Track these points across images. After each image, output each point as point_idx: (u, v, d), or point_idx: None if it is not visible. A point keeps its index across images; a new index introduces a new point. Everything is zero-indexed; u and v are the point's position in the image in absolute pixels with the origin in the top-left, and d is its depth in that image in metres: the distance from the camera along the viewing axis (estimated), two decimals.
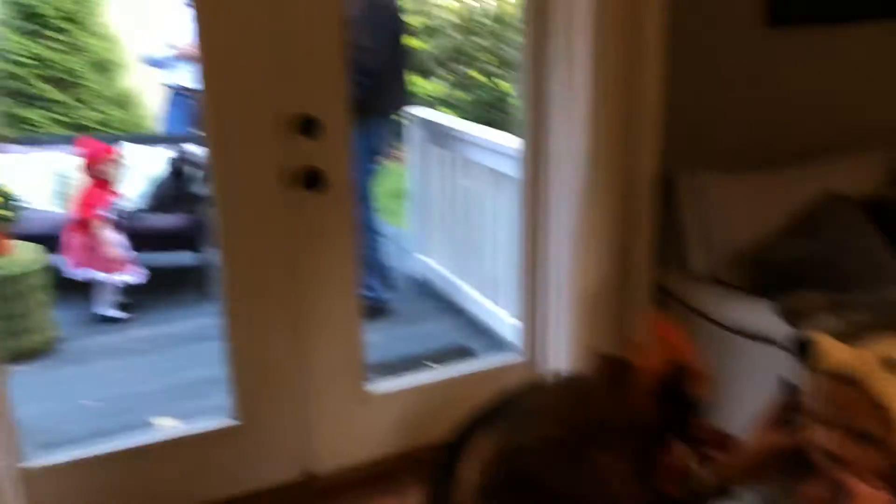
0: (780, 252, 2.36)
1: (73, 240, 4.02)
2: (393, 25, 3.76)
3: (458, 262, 3.98)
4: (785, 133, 2.78)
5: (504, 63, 5.98)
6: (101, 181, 4.10)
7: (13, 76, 5.14)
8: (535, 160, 2.56)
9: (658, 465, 0.74)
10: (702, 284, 2.54)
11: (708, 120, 2.70)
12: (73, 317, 3.99)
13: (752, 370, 2.30)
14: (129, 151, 4.35)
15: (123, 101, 5.53)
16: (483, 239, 3.78)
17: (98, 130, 5.19)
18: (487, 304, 3.71)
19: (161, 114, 5.11)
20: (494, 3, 6.14)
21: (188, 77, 4.27)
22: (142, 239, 4.15)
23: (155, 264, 4.18)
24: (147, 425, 2.93)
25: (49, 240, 3.92)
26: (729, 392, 2.39)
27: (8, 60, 5.13)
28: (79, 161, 4.15)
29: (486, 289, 3.74)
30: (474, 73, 6.28)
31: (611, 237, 2.51)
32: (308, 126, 2.19)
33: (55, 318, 3.82)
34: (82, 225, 4.03)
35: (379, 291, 3.84)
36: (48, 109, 5.21)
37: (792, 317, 1.00)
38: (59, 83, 5.21)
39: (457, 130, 4.00)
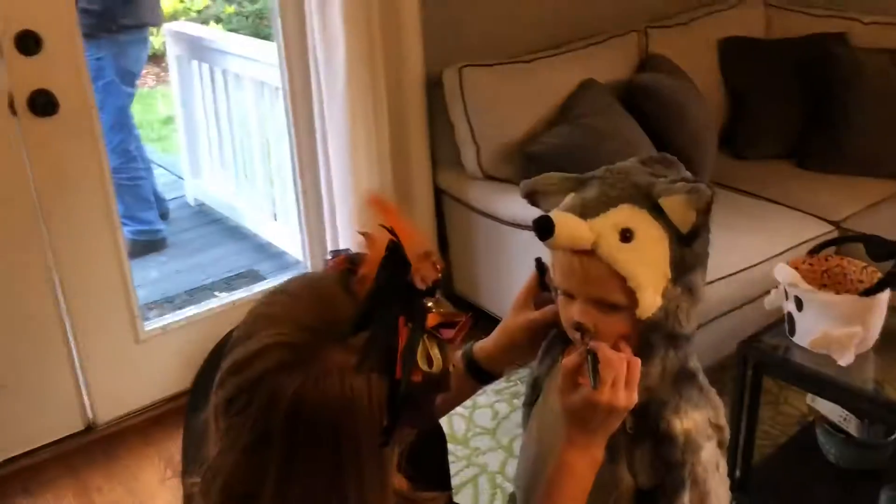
0: (542, 142, 2.42)
1: None
2: None
3: (234, 183, 3.80)
4: (543, 24, 2.84)
5: None
6: None
7: None
8: (301, 69, 2.45)
9: (391, 352, 0.71)
10: (474, 181, 2.58)
11: (468, 16, 2.69)
12: None
13: (527, 258, 2.38)
14: None
15: None
16: (258, 157, 3.62)
17: None
18: (270, 223, 3.59)
19: None
20: None
21: None
22: None
23: None
24: None
25: None
26: (508, 280, 2.49)
27: None
28: None
29: (266, 208, 3.61)
30: None
31: (386, 141, 2.47)
32: (26, 42, 1.93)
33: None
34: None
35: (153, 223, 3.60)
36: None
37: (533, 198, 1.00)
38: None
39: (220, 44, 3.74)
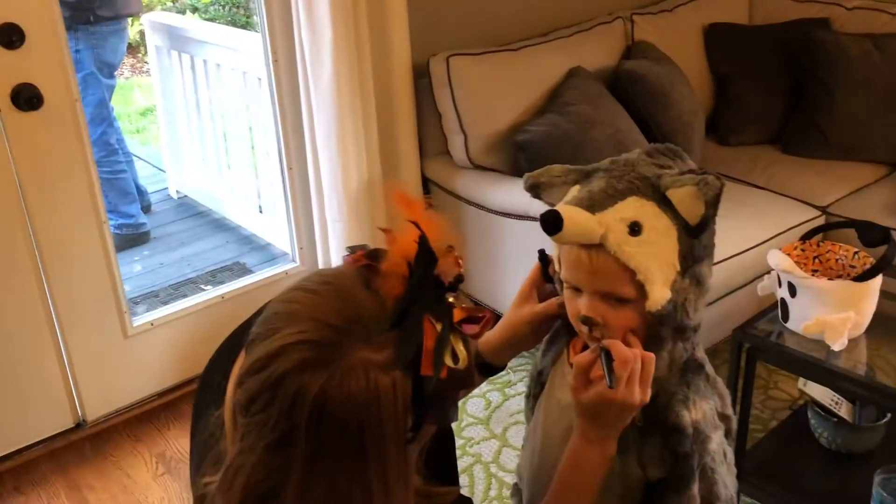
0: (531, 131, 2.41)
1: None
2: None
3: (217, 175, 3.76)
4: (530, 12, 2.82)
5: None
6: None
7: None
8: (287, 60, 2.42)
9: (418, 350, 0.70)
10: (462, 171, 2.57)
11: (455, 5, 2.68)
12: None
13: (517, 247, 2.38)
14: None
15: None
16: (242, 148, 3.59)
17: None
18: (255, 215, 3.56)
19: None
20: None
21: None
22: None
23: None
24: None
25: None
26: (498, 270, 2.48)
27: None
28: None
29: (251, 200, 3.58)
30: None
31: (374, 132, 2.46)
32: (8, 35, 1.89)
33: None
34: None
35: (136, 217, 3.56)
36: None
37: (536, 191, 0.99)
38: None
39: (200, 34, 3.69)
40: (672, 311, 0.89)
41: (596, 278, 0.90)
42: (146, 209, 3.76)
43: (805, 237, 1.90)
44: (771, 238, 2.34)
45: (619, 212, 0.87)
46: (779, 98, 2.93)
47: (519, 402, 2.39)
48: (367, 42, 2.35)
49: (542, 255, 1.08)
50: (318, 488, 0.71)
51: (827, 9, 3.02)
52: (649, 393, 0.88)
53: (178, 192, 4.00)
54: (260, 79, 3.09)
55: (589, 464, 0.90)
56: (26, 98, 1.94)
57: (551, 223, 0.86)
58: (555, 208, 0.87)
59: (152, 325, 2.40)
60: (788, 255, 1.80)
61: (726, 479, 0.97)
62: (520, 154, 2.42)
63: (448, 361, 0.72)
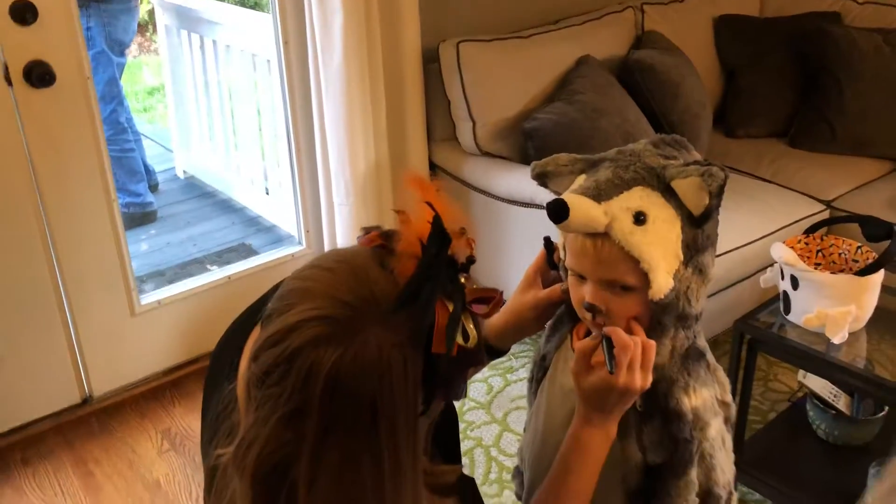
0: (539, 118, 2.42)
1: None
2: None
3: (224, 156, 3.77)
4: (540, 0, 2.82)
5: None
6: None
7: None
8: (298, 43, 2.43)
9: (430, 328, 0.72)
10: (470, 157, 2.58)
11: None
12: None
13: (523, 234, 2.40)
14: None
15: None
16: (249, 130, 3.60)
17: None
18: (261, 197, 3.57)
19: None
20: None
21: None
22: None
23: None
24: None
25: None
26: (504, 256, 2.50)
27: None
28: None
29: (258, 182, 3.60)
30: None
31: (382, 116, 2.47)
32: (23, 13, 1.91)
33: None
34: None
35: (144, 196, 3.57)
36: None
37: (543, 179, 1.01)
38: None
39: (210, 14, 3.70)
40: (674, 299, 0.91)
41: (600, 266, 0.91)
42: (153, 188, 3.77)
43: (809, 231, 1.91)
44: (775, 231, 2.35)
45: (625, 201, 0.89)
46: (788, 91, 2.94)
47: (520, 388, 2.41)
48: (377, 26, 2.36)
49: (548, 242, 1.10)
50: (330, 460, 0.73)
51: (838, 3, 3.02)
52: (650, 378, 0.90)
53: (184, 172, 4.01)
54: (269, 61, 3.10)
55: (590, 447, 0.92)
56: (39, 75, 1.96)
57: (558, 212, 0.88)
58: (561, 197, 0.89)
59: (159, 303, 2.42)
60: (792, 248, 1.82)
61: (724, 464, 0.99)
62: (527, 142, 2.43)
63: (459, 340, 0.74)
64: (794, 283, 1.79)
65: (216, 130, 3.78)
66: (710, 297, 2.30)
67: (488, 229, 2.54)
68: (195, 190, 3.92)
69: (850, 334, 1.76)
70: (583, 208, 0.88)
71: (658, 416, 0.94)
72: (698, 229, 0.90)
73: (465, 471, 2.12)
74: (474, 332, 0.76)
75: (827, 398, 2.02)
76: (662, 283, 0.89)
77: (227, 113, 3.70)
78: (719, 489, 0.97)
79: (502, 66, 2.54)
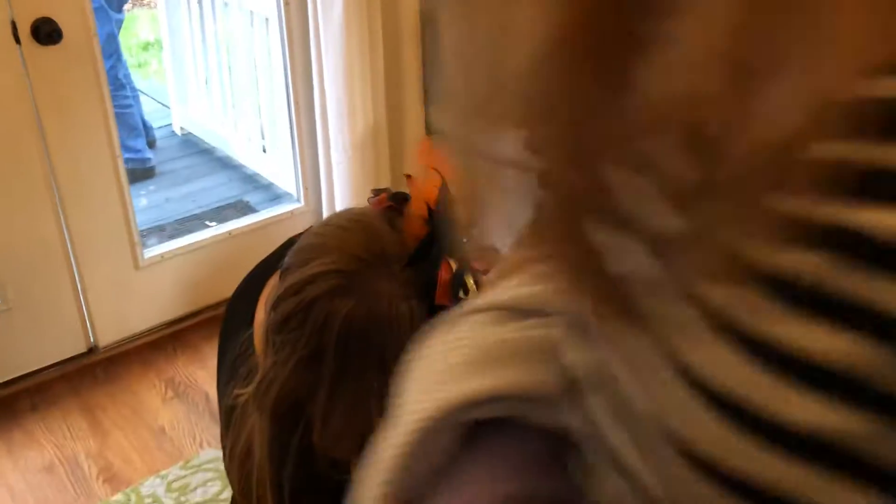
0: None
1: None
2: None
3: (222, 114, 3.81)
4: None
5: None
6: None
7: None
8: (297, 1, 2.47)
9: (435, 283, 0.81)
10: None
11: None
12: None
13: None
14: None
15: None
16: (248, 87, 3.63)
17: None
18: (259, 155, 3.62)
19: None
20: None
21: None
22: None
23: None
24: None
25: None
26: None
27: None
28: None
29: (255, 140, 3.64)
30: None
31: (381, 76, 2.52)
32: None
33: None
34: None
35: (142, 152, 3.62)
36: None
37: None
38: None
39: None
40: None
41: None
42: (150, 144, 3.81)
43: None
44: None
45: None
46: None
47: None
48: None
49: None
50: (343, 399, 0.82)
51: None
52: None
53: (182, 128, 4.05)
54: (267, 19, 3.13)
55: None
56: (46, 32, 2.00)
57: None
58: None
59: (162, 257, 2.49)
60: None
61: None
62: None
63: (460, 294, 0.83)
64: None
65: (213, 87, 3.81)
66: None
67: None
68: (193, 146, 3.96)
69: None
70: None
71: None
72: None
73: None
74: (474, 286, 0.84)
75: None
76: None
77: (224, 70, 3.73)
78: None
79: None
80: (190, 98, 3.97)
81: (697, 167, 0.27)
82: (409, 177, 0.86)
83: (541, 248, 0.40)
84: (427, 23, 2.57)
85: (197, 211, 3.40)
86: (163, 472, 2.05)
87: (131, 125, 3.53)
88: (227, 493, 1.95)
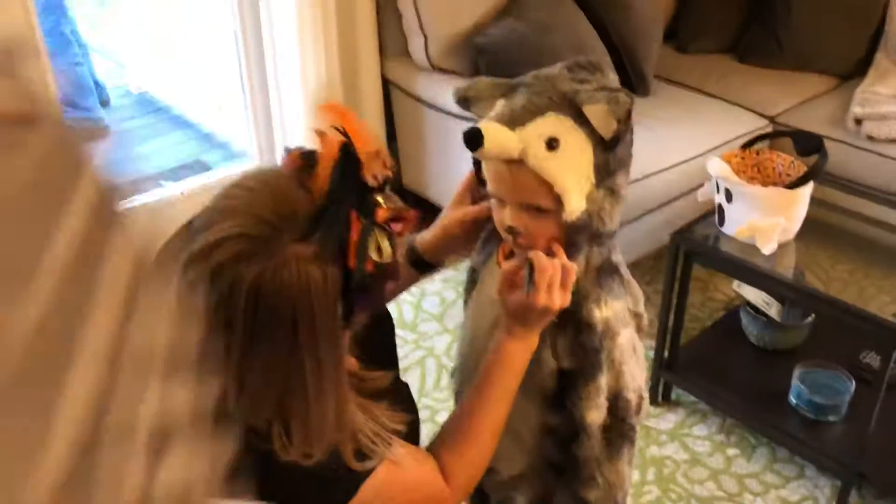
0: (490, 34, 2.42)
1: None
2: None
3: (177, 72, 3.72)
4: None
5: None
6: None
7: None
8: None
9: (345, 244, 0.78)
10: (422, 73, 2.58)
11: None
12: None
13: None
14: None
15: None
16: (201, 46, 3.53)
17: None
18: (215, 113, 3.54)
19: None
20: None
21: None
22: None
23: None
24: None
25: None
26: (456, 172, 2.53)
27: None
28: None
29: (211, 98, 3.56)
30: None
31: (334, 32, 2.45)
32: None
33: None
34: None
35: (94, 111, 3.53)
36: None
37: (465, 104, 1.04)
38: None
39: None
40: (587, 220, 0.96)
41: (517, 191, 0.96)
42: (104, 103, 3.72)
43: (746, 146, 1.97)
44: (718, 146, 2.41)
45: (538, 127, 0.92)
46: (738, 7, 2.95)
47: None
48: None
49: (477, 161, 1.14)
50: (255, 369, 0.80)
51: None
52: (569, 297, 0.96)
53: (138, 87, 3.95)
54: None
55: (513, 357, 0.99)
56: None
57: (473, 140, 0.91)
58: (476, 126, 0.92)
59: None
60: (728, 162, 1.88)
61: (635, 370, 1.06)
62: (479, 57, 2.44)
63: (373, 255, 0.80)
64: (728, 196, 1.86)
65: (168, 46, 3.71)
66: (651, 211, 2.37)
67: (441, 145, 2.56)
68: (149, 106, 3.87)
69: (780, 245, 1.84)
70: (497, 137, 0.92)
71: (570, 326, 1.01)
72: (609, 153, 0.94)
73: (414, 378, 2.21)
74: (388, 248, 0.81)
75: (760, 306, 2.13)
76: (575, 205, 0.94)
77: (178, 28, 3.62)
78: (629, 393, 1.04)
79: None
80: (146, 57, 3.87)
81: None
82: (319, 133, 0.83)
83: None
84: None
85: (151, 172, 3.33)
86: None
87: (81, 83, 3.43)
88: None
